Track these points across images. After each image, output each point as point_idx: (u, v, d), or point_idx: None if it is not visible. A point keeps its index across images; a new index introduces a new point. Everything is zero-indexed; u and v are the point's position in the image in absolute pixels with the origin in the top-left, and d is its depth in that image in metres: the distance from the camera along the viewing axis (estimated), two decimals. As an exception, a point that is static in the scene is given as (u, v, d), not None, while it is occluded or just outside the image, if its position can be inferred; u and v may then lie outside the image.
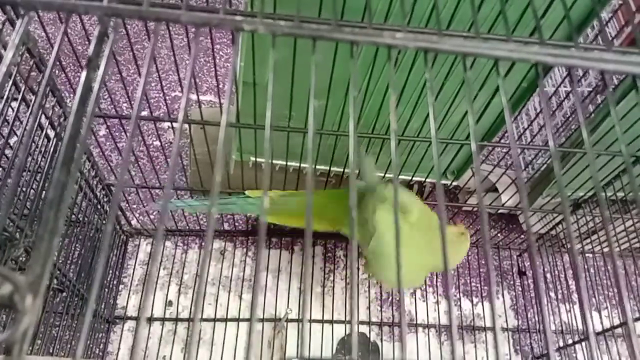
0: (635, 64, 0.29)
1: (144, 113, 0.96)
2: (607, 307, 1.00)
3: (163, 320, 0.88)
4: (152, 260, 0.22)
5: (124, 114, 0.80)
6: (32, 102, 0.55)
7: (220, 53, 1.21)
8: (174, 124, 1.04)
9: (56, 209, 0.22)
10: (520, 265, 1.00)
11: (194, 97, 1.09)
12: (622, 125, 0.64)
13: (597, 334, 0.81)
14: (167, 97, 1.08)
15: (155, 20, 0.26)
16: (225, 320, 0.89)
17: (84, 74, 0.26)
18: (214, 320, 0.89)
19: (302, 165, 0.75)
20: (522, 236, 0.99)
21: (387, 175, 0.77)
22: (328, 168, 0.75)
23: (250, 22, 0.26)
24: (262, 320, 0.89)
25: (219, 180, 0.23)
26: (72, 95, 1.05)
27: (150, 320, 0.88)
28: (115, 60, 0.58)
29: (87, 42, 0.62)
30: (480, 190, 0.26)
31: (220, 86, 1.14)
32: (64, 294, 0.68)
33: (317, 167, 0.76)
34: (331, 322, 0.90)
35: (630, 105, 0.61)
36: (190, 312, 0.89)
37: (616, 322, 0.94)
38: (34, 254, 0.20)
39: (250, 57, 0.53)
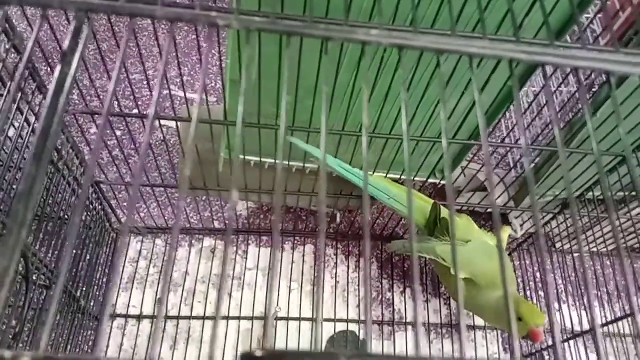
0: (609, 62, 0.29)
1: (135, 111, 0.96)
2: (597, 306, 1.01)
3: (153, 318, 0.88)
4: (167, 260, 0.22)
5: (113, 111, 0.80)
6: (8, 86, 0.55)
7: (213, 52, 1.21)
8: (163, 122, 1.04)
9: (25, 201, 0.22)
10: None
11: (181, 93, 1.09)
12: (609, 124, 0.64)
13: (585, 332, 0.81)
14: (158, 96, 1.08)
15: (129, 16, 0.26)
16: (215, 318, 0.88)
17: (58, 69, 0.26)
18: (204, 318, 0.89)
19: (292, 163, 0.75)
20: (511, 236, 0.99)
21: (376, 172, 0.77)
22: (317, 167, 0.75)
23: (225, 17, 0.26)
24: (252, 318, 0.89)
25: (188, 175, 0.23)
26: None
27: (140, 317, 0.88)
28: (102, 57, 0.58)
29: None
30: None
31: (213, 85, 1.15)
32: (51, 291, 0.68)
33: (306, 165, 0.76)
34: (321, 320, 0.90)
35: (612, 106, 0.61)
36: (180, 310, 0.89)
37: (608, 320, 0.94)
38: (0, 247, 0.20)
39: (237, 55, 0.54)
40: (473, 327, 0.94)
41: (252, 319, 0.89)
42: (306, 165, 0.75)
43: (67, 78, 0.25)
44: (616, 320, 0.75)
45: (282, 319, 0.90)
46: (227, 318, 0.89)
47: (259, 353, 0.19)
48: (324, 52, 0.27)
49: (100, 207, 0.85)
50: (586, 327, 0.91)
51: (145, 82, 1.11)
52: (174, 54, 1.14)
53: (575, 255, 1.01)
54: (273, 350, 0.19)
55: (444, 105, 0.27)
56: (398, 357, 0.17)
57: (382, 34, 0.27)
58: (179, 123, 0.69)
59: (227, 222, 0.97)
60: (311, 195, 0.84)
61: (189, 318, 0.88)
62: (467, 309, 0.82)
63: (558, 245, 0.98)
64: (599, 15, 0.92)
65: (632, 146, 0.68)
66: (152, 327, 0.87)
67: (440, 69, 0.28)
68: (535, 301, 0.96)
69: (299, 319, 0.90)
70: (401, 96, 0.26)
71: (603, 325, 0.78)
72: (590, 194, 0.80)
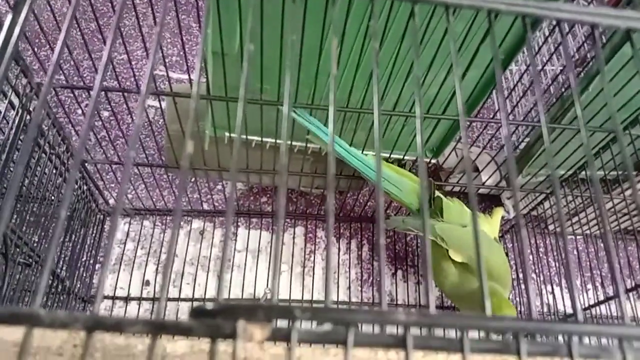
0: (593, 14, 0.28)
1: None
2: (590, 288, 1.00)
3: (140, 299, 0.87)
4: (170, 245, 0.20)
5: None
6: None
7: (193, 25, 1.19)
8: (150, 103, 1.03)
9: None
10: (503, 247, 1.00)
11: (174, 75, 1.08)
12: (602, 98, 0.63)
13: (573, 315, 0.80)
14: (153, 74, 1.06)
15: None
16: (204, 300, 0.88)
17: (8, 17, 0.24)
18: (192, 300, 0.88)
19: (279, 141, 0.74)
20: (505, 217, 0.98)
21: (366, 151, 0.76)
22: (305, 145, 0.74)
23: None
24: (242, 300, 0.88)
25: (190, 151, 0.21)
26: (41, 72, 1.03)
27: (127, 299, 0.87)
28: (83, 35, 0.56)
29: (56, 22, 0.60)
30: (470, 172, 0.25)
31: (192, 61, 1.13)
32: (32, 269, 0.67)
33: (294, 143, 0.74)
34: (310, 302, 0.90)
35: (608, 77, 0.60)
36: (168, 291, 0.88)
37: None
38: None
39: (217, 25, 0.52)
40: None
41: (241, 300, 0.88)
42: (294, 143, 0.74)
43: (16, 27, 0.24)
44: (599, 303, 0.75)
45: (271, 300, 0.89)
46: (216, 300, 0.88)
47: (210, 306, 0.18)
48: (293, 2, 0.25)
49: (86, 187, 0.83)
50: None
51: (139, 61, 1.09)
52: (163, 34, 1.13)
53: (569, 237, 1.00)
54: (225, 304, 0.18)
55: (416, 56, 0.25)
56: (355, 310, 0.16)
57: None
58: (163, 103, 0.67)
59: (216, 203, 0.96)
60: (300, 175, 0.83)
61: (177, 300, 0.87)
62: (451, 297, 0.80)
63: (551, 227, 0.97)
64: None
65: (625, 122, 0.67)
66: (139, 308, 0.86)
67: (414, 20, 0.26)
68: (522, 283, 0.95)
69: (289, 301, 0.89)
70: (403, 71, 0.25)
71: (591, 307, 0.77)
72: (583, 173, 0.79)
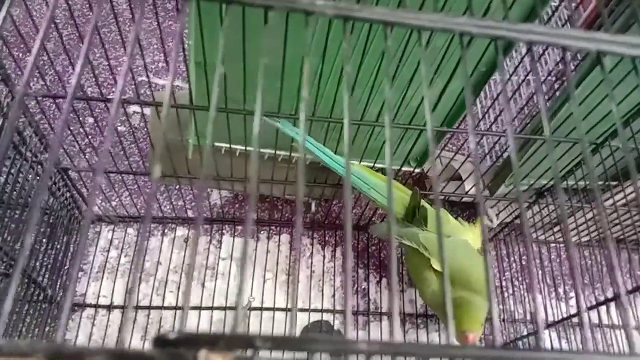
0: (563, 37, 0.28)
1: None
2: (573, 297, 1.01)
3: (123, 308, 0.86)
4: (138, 251, 0.20)
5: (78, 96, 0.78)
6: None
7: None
8: (135, 109, 1.02)
9: None
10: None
11: (160, 81, 1.07)
12: (582, 111, 0.64)
13: (558, 322, 0.81)
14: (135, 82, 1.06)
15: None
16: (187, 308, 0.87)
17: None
18: (175, 308, 0.87)
19: (263, 151, 0.74)
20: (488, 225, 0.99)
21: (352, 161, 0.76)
22: (289, 154, 0.74)
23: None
24: (225, 308, 0.88)
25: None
26: (20, 76, 1.03)
27: (110, 308, 0.86)
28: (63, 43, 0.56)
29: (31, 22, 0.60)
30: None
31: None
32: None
33: (278, 152, 0.74)
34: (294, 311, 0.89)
35: (586, 92, 0.60)
36: (152, 300, 0.87)
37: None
38: None
39: (199, 36, 0.52)
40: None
41: (225, 309, 0.88)
42: (278, 152, 0.74)
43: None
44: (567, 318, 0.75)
45: (255, 309, 0.89)
46: (200, 308, 0.88)
47: (172, 336, 0.18)
48: (265, 22, 0.26)
49: (69, 194, 0.83)
50: (559, 317, 0.91)
51: (119, 69, 1.08)
52: (149, 40, 1.12)
53: (552, 245, 1.01)
54: (187, 334, 0.18)
55: (389, 81, 0.26)
56: (316, 340, 0.16)
57: (327, 5, 0.26)
58: (146, 110, 0.67)
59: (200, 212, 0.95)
60: (285, 184, 0.83)
61: (161, 308, 0.87)
62: (432, 306, 0.80)
63: (534, 235, 0.97)
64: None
65: (606, 134, 0.68)
66: (122, 317, 0.86)
67: (387, 44, 0.27)
68: (511, 290, 0.96)
69: (273, 309, 0.89)
70: (384, 83, 0.25)
71: (572, 317, 0.78)
72: (566, 183, 0.79)
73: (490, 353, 0.19)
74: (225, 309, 0.88)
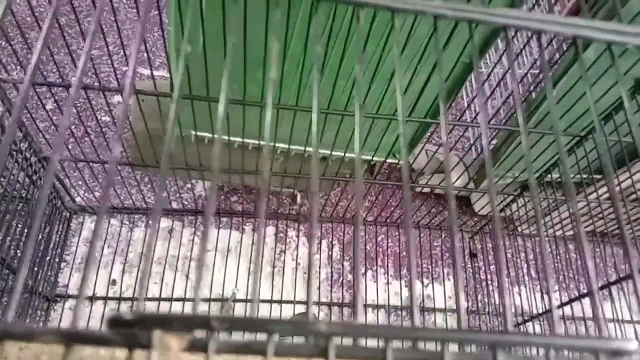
0: (537, 20, 0.28)
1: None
2: (557, 290, 1.01)
3: (106, 299, 0.86)
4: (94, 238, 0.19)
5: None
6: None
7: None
8: (118, 99, 1.01)
9: None
10: (471, 247, 1.01)
11: (145, 71, 1.06)
12: (565, 104, 0.64)
13: (540, 314, 0.81)
14: (117, 72, 1.05)
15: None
16: (171, 299, 0.87)
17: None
18: (159, 299, 0.87)
19: (247, 141, 0.73)
20: (475, 218, 0.99)
21: (333, 152, 0.75)
22: (273, 145, 0.73)
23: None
24: (209, 300, 0.88)
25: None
26: (18, 67, 1.01)
27: (92, 299, 0.85)
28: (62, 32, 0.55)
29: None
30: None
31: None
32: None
33: (262, 143, 0.74)
34: (280, 302, 0.89)
35: (570, 84, 0.60)
36: (135, 291, 0.87)
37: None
38: None
39: (179, 21, 0.51)
40: (433, 310, 0.94)
41: (209, 300, 0.87)
42: (262, 143, 0.73)
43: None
44: (562, 304, 0.76)
45: (239, 300, 0.88)
46: (183, 300, 0.87)
47: (126, 316, 0.17)
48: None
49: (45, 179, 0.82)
50: (542, 309, 0.91)
51: (104, 58, 1.07)
52: (133, 30, 1.11)
53: (536, 239, 1.01)
54: (141, 314, 0.17)
55: (359, 64, 0.25)
56: (275, 320, 0.16)
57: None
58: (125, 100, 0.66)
59: (185, 202, 0.95)
60: (270, 175, 0.82)
61: (144, 299, 0.86)
62: None
63: (519, 228, 0.98)
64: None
65: (589, 126, 0.68)
66: (104, 308, 0.85)
67: (358, 24, 0.26)
68: (490, 284, 0.96)
69: (258, 301, 0.88)
70: (373, 73, 0.24)
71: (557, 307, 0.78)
72: (549, 176, 0.79)
73: (453, 335, 0.18)
74: (209, 300, 0.87)
